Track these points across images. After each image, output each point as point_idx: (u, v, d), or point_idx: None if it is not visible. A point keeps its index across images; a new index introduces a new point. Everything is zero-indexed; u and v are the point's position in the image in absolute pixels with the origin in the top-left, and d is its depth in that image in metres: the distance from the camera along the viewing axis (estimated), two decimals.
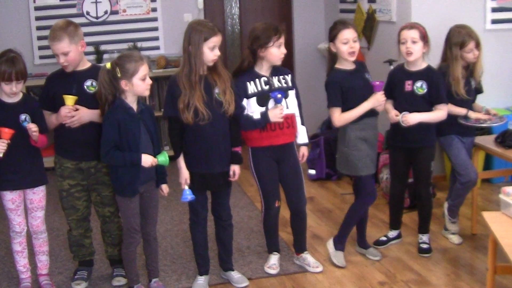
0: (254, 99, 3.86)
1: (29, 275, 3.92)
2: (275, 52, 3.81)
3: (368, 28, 6.25)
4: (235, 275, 4.01)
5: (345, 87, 3.94)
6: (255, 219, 4.98)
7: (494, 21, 5.64)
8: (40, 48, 6.56)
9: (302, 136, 4.06)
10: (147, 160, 3.55)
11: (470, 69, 4.29)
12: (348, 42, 3.89)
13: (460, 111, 4.25)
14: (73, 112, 3.69)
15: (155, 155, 3.62)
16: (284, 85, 3.94)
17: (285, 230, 4.56)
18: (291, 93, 3.98)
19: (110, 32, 6.77)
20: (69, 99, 3.68)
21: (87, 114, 3.73)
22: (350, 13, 6.59)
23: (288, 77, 3.98)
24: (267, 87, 3.88)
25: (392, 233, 4.47)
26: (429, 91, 4.07)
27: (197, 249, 3.94)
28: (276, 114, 3.83)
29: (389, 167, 4.46)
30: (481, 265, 4.04)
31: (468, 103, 4.32)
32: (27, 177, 3.71)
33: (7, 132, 3.50)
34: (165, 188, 3.79)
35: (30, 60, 6.45)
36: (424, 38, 4.05)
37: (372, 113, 3.97)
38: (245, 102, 3.85)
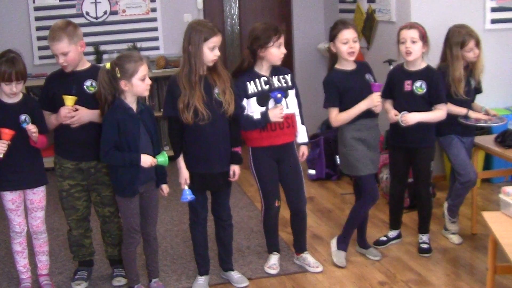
0: (254, 99, 3.86)
1: (29, 275, 3.92)
2: (275, 52, 3.81)
3: (367, 28, 6.25)
4: (235, 275, 4.01)
5: (342, 88, 3.95)
6: (255, 219, 4.98)
7: (494, 21, 5.64)
8: (40, 48, 6.56)
9: (302, 135, 4.06)
10: (146, 160, 3.55)
11: (470, 69, 4.29)
12: (348, 42, 3.89)
13: (460, 110, 4.25)
14: (72, 113, 3.69)
15: (154, 155, 3.62)
16: (284, 84, 3.94)
17: (285, 230, 4.56)
18: (291, 93, 3.98)
19: (109, 33, 6.77)
20: (69, 100, 3.68)
21: (87, 114, 3.73)
22: (349, 13, 6.59)
23: (288, 77, 3.98)
24: (267, 87, 3.88)
25: (392, 233, 4.47)
26: (429, 91, 4.07)
27: (197, 249, 3.94)
28: (276, 114, 3.83)
29: (389, 167, 4.46)
30: (481, 265, 4.04)
31: (468, 103, 4.32)
32: (27, 178, 3.71)
33: (8, 133, 3.50)
34: (165, 188, 3.79)
35: (30, 60, 6.45)
36: (424, 38, 4.06)
37: (369, 114, 3.96)
38: (245, 102, 3.85)
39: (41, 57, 6.59)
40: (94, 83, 3.72)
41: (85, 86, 3.76)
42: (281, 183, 4.03)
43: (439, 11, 5.41)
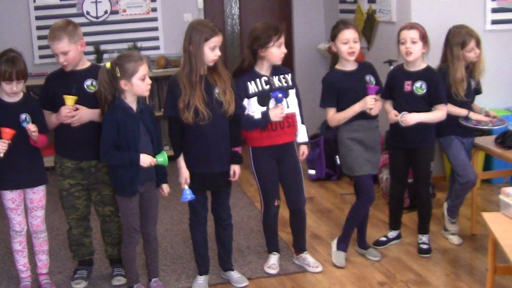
0: (255, 99, 3.86)
1: (29, 274, 3.92)
2: (276, 52, 3.82)
3: (368, 28, 6.25)
4: (234, 275, 4.01)
5: (339, 88, 3.96)
6: (255, 219, 4.99)
7: (494, 22, 5.64)
8: (40, 47, 6.56)
9: (302, 135, 4.06)
10: (145, 160, 3.55)
11: (470, 69, 4.29)
12: (348, 42, 3.90)
13: (461, 112, 4.25)
14: (73, 112, 3.69)
15: (155, 155, 3.62)
16: (285, 84, 3.95)
17: (285, 230, 4.56)
18: (292, 92, 3.98)
19: (110, 32, 6.77)
20: (69, 99, 3.68)
21: (87, 114, 3.73)
22: (350, 13, 6.59)
23: (288, 76, 3.99)
24: (267, 87, 3.88)
25: (392, 234, 4.47)
26: (429, 91, 4.07)
27: (197, 249, 3.94)
28: (277, 113, 3.83)
29: (389, 167, 4.46)
30: (481, 266, 4.04)
31: (468, 104, 4.32)
32: (27, 177, 3.71)
33: (8, 132, 3.50)
34: (165, 188, 3.79)
35: (30, 59, 6.45)
36: (424, 38, 4.06)
37: (367, 115, 3.95)
38: (246, 102, 3.86)
39: (41, 57, 6.59)
40: (94, 83, 3.72)
41: (85, 86, 3.76)
42: (281, 183, 4.04)
43: (440, 12, 5.41)
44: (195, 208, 3.84)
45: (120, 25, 6.81)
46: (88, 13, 6.73)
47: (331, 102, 4.00)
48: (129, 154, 3.55)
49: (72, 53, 3.69)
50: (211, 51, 3.60)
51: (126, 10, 6.82)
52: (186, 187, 3.69)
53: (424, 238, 4.33)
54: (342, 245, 4.21)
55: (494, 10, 5.64)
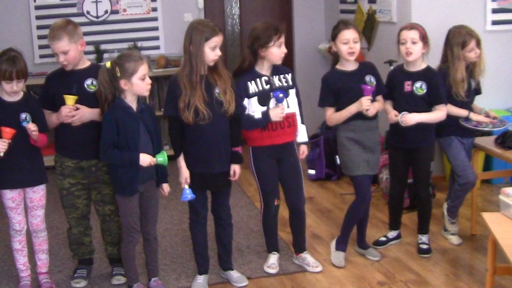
0: (255, 98, 3.87)
1: (29, 273, 3.92)
2: (276, 52, 3.82)
3: (368, 28, 6.25)
4: (234, 274, 4.01)
5: (337, 88, 3.96)
6: (254, 218, 4.99)
7: (495, 22, 5.65)
8: (41, 47, 6.56)
9: (302, 134, 4.07)
10: (145, 159, 3.55)
11: (470, 70, 4.29)
12: (348, 43, 3.90)
13: (461, 112, 4.25)
14: (73, 112, 3.69)
15: (155, 154, 3.62)
16: (285, 84, 3.95)
17: (285, 230, 4.56)
18: (292, 92, 3.99)
19: (110, 32, 6.78)
20: (70, 99, 3.68)
21: (88, 113, 3.73)
22: (350, 13, 6.59)
23: (289, 76, 3.99)
24: (268, 87, 3.89)
25: (392, 234, 4.47)
26: (429, 91, 4.07)
27: (196, 248, 3.94)
28: (277, 113, 3.83)
29: (389, 167, 4.46)
30: (481, 266, 4.04)
31: (468, 104, 4.32)
32: (27, 176, 3.71)
33: (8, 131, 3.50)
34: (166, 187, 3.79)
35: (31, 59, 6.45)
36: (424, 38, 4.06)
37: (364, 116, 3.93)
38: (246, 101, 3.86)
39: (41, 56, 6.60)
40: (94, 82, 3.72)
41: (85, 85, 3.77)
42: (280, 182, 4.04)
43: (440, 12, 5.41)
44: (195, 207, 3.85)
45: (120, 25, 6.82)
46: (88, 12, 6.73)
47: (329, 102, 4.01)
48: (129, 154, 3.55)
49: (72, 52, 3.69)
50: (212, 51, 3.61)
51: (127, 10, 6.83)
52: (186, 186, 3.70)
53: (424, 238, 4.33)
54: (341, 245, 4.22)
55: (495, 11, 5.64)
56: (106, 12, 6.78)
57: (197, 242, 3.92)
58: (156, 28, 6.93)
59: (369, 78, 3.99)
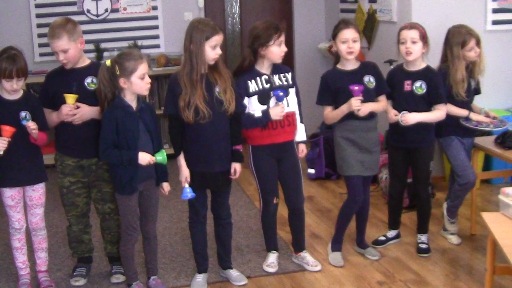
0: (255, 97, 3.87)
1: (28, 271, 3.92)
2: (276, 51, 3.82)
3: (368, 28, 6.25)
4: (233, 273, 4.02)
5: (334, 87, 3.96)
6: (254, 218, 4.99)
7: (495, 22, 5.65)
8: (41, 45, 6.56)
9: (300, 133, 4.07)
10: (144, 158, 3.55)
11: (470, 69, 4.29)
12: (347, 42, 3.90)
13: (462, 112, 4.24)
14: (74, 111, 3.69)
15: (154, 153, 3.61)
16: (285, 83, 3.95)
17: (284, 229, 4.57)
18: (292, 91, 3.99)
19: (110, 30, 6.77)
20: (70, 98, 3.68)
21: (88, 112, 3.73)
22: (350, 13, 6.59)
23: (289, 75, 3.99)
24: (268, 86, 3.89)
25: (391, 233, 4.47)
26: (428, 91, 4.07)
27: (196, 247, 3.94)
28: (277, 112, 3.83)
29: (388, 167, 4.46)
30: (480, 266, 4.04)
31: (467, 104, 4.32)
32: (26, 174, 3.71)
33: (8, 130, 3.50)
34: (166, 186, 3.79)
35: (31, 57, 6.45)
36: (424, 38, 4.06)
37: (356, 115, 3.93)
38: (246, 100, 3.86)
39: (41, 54, 6.59)
40: (95, 80, 3.72)
41: (86, 83, 3.76)
42: (280, 181, 4.04)
43: (440, 12, 5.41)
44: (194, 206, 3.85)
45: (121, 23, 6.81)
46: (88, 11, 6.73)
47: (326, 100, 4.02)
48: (128, 153, 3.54)
49: (72, 51, 3.69)
50: (212, 50, 3.60)
51: (127, 8, 6.82)
52: (187, 185, 3.69)
53: (423, 237, 4.33)
54: (336, 246, 4.24)
55: (495, 11, 5.64)
56: (106, 10, 6.77)
57: (197, 241, 3.92)
58: (156, 27, 6.92)
59: (369, 78, 3.98)
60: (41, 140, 3.68)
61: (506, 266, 3.29)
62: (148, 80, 3.57)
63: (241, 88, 3.82)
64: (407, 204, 4.92)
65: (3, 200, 3.75)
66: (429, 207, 4.32)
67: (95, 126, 3.71)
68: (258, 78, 3.88)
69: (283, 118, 3.88)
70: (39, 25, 6.54)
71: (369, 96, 3.94)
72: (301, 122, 4.07)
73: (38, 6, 6.61)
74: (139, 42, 6.70)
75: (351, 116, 3.93)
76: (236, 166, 3.81)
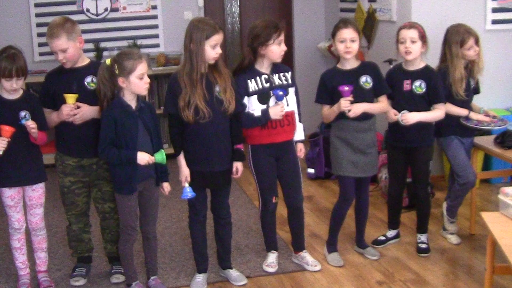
0: (255, 97, 3.86)
1: (28, 271, 3.92)
2: (276, 50, 3.82)
3: (368, 27, 6.25)
4: (233, 273, 4.02)
5: (330, 86, 3.97)
6: (253, 217, 4.99)
7: (495, 22, 5.65)
8: (40, 45, 6.55)
9: (299, 133, 4.07)
10: (143, 157, 3.55)
11: (469, 69, 4.29)
12: (345, 41, 3.89)
13: (462, 112, 4.24)
14: (75, 111, 3.69)
15: (154, 153, 3.61)
16: (285, 82, 3.95)
17: (284, 228, 4.57)
18: (291, 90, 3.99)
19: (110, 30, 6.77)
20: (70, 98, 3.68)
21: (89, 111, 3.73)
22: (350, 12, 6.59)
23: (288, 75, 3.99)
24: (267, 85, 3.88)
25: (391, 233, 4.47)
26: (428, 90, 4.07)
27: (196, 247, 3.94)
28: (277, 111, 3.83)
29: (388, 166, 4.46)
30: (480, 265, 4.04)
31: (467, 103, 4.32)
32: (26, 174, 3.71)
33: (8, 130, 3.49)
34: (166, 186, 3.78)
35: (30, 57, 6.45)
36: (423, 37, 4.06)
37: (357, 116, 3.91)
38: (246, 100, 3.86)
39: (41, 54, 6.59)
40: (94, 79, 3.72)
41: (85, 83, 3.76)
42: (279, 180, 4.04)
43: (440, 11, 5.41)
44: (194, 206, 3.85)
45: (120, 23, 6.81)
46: (88, 10, 6.73)
47: (324, 99, 4.03)
48: (126, 152, 3.54)
49: (71, 50, 3.68)
50: (212, 49, 3.60)
51: (126, 8, 6.82)
52: (187, 184, 3.69)
53: (422, 237, 4.33)
54: (331, 247, 4.25)
55: (495, 10, 5.64)
56: (105, 10, 6.77)
57: (196, 240, 3.92)
58: (156, 26, 6.92)
59: (365, 79, 3.96)
60: (40, 139, 3.68)
61: (505, 265, 3.30)
62: (147, 80, 3.57)
63: (240, 87, 3.82)
64: (406, 204, 4.92)
65: (2, 200, 3.75)
66: (429, 207, 4.33)
67: (96, 125, 3.70)
68: (257, 78, 3.88)
69: (283, 118, 3.88)
70: (39, 24, 6.54)
71: (364, 96, 3.93)
72: (300, 121, 4.07)
73: (37, 5, 6.60)
74: (139, 42, 6.70)
75: (344, 116, 3.93)
76: (238, 165, 3.82)
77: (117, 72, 3.51)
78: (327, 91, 3.99)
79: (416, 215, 4.40)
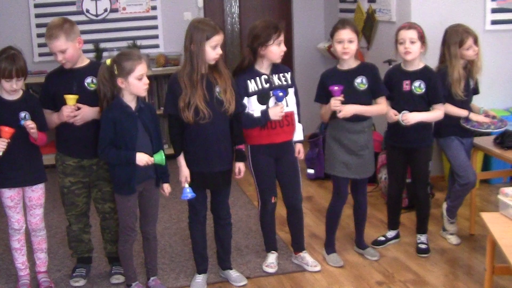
0: (255, 97, 3.87)
1: (28, 272, 3.92)
2: (275, 50, 3.82)
3: (367, 28, 6.25)
4: (233, 273, 4.02)
5: (327, 86, 3.96)
6: (253, 218, 4.99)
7: (494, 22, 5.65)
8: (40, 45, 6.55)
9: (298, 133, 4.07)
10: (142, 158, 3.55)
11: (468, 69, 4.29)
12: (342, 42, 3.89)
13: (461, 112, 4.24)
14: (75, 112, 3.69)
15: (154, 154, 3.61)
16: (284, 83, 3.95)
17: (283, 229, 4.57)
18: (291, 91, 3.99)
19: (109, 30, 6.77)
20: (70, 99, 3.68)
21: (89, 112, 3.73)
22: (350, 12, 6.59)
23: (288, 75, 3.99)
24: (267, 85, 3.89)
25: (390, 233, 4.47)
26: (427, 90, 4.07)
27: (195, 247, 3.94)
28: (276, 112, 3.83)
29: (387, 167, 4.46)
30: (479, 266, 4.04)
31: (466, 104, 4.32)
32: (26, 175, 3.71)
33: (8, 131, 3.49)
34: (166, 187, 3.78)
35: (30, 57, 6.45)
36: (422, 38, 4.06)
37: (352, 117, 3.90)
38: (245, 100, 3.86)
39: (41, 54, 6.59)
40: (95, 80, 3.72)
41: (85, 83, 3.76)
42: (278, 181, 4.04)
43: (439, 12, 5.42)
44: (194, 206, 3.85)
45: (120, 23, 6.81)
46: (87, 11, 6.73)
47: (321, 98, 4.04)
48: (125, 153, 3.54)
49: (70, 51, 3.68)
50: (213, 50, 3.60)
51: (126, 8, 6.82)
52: (187, 185, 3.69)
53: (422, 238, 4.33)
54: (330, 248, 4.25)
55: (494, 10, 5.64)
56: (105, 10, 6.77)
57: (196, 241, 3.92)
58: (155, 27, 6.92)
59: (361, 80, 3.95)
60: (40, 140, 3.68)
61: (505, 266, 3.30)
62: (146, 81, 3.56)
63: (240, 88, 3.82)
64: (406, 204, 4.92)
65: (2, 200, 3.75)
66: (428, 207, 4.33)
67: (96, 126, 3.69)
68: (257, 78, 3.88)
69: (282, 118, 3.88)
70: (39, 25, 6.53)
71: (357, 97, 3.92)
72: (299, 122, 4.07)
73: (37, 6, 6.61)
74: (138, 42, 6.70)
75: (334, 115, 3.93)
76: (240, 166, 3.82)
77: (116, 72, 3.51)
78: (325, 91, 4.00)
79: (415, 216, 4.40)
